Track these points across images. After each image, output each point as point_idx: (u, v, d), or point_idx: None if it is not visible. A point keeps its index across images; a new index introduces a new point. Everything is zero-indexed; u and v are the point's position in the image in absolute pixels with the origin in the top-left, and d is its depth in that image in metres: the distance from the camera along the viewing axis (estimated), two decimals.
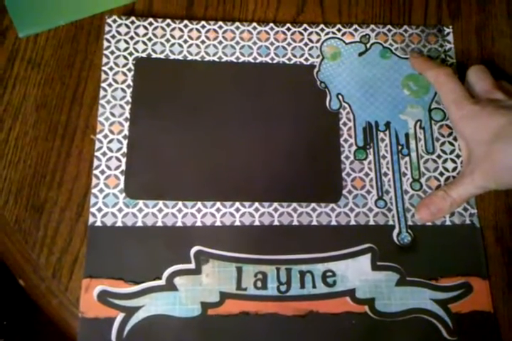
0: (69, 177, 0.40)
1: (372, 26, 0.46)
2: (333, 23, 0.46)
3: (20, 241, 0.39)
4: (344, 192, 0.41)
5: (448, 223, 0.41)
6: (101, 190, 0.39)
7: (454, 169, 0.42)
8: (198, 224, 0.39)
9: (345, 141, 0.42)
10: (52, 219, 0.40)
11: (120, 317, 0.36)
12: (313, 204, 0.40)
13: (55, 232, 0.39)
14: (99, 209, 0.39)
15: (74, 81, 0.43)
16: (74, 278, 0.38)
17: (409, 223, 0.40)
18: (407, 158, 0.42)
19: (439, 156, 0.42)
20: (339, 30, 0.45)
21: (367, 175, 0.41)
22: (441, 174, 0.42)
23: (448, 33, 0.46)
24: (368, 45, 0.45)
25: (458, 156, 0.42)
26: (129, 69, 0.42)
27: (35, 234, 0.39)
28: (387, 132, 0.43)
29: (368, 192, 0.41)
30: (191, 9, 0.46)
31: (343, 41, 0.45)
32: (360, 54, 0.45)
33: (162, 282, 0.37)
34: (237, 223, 0.39)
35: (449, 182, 0.41)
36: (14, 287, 0.40)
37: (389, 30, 0.46)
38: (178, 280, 0.38)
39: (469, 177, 0.38)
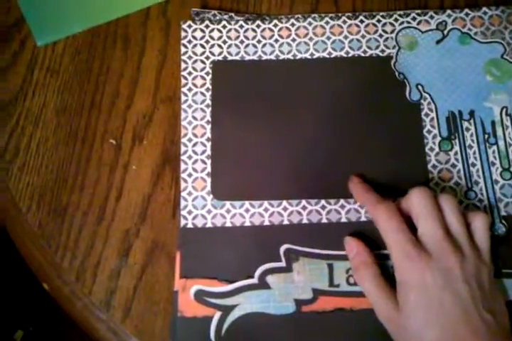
0: (90, 182, 0.41)
1: (448, 12, 0.44)
2: (412, 9, 0.44)
3: (44, 245, 0.40)
4: (431, 184, 0.40)
5: None
6: (189, 193, 0.40)
7: None
8: (285, 222, 0.40)
9: (429, 132, 0.41)
10: (74, 223, 0.40)
11: (217, 315, 0.37)
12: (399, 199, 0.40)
13: (77, 236, 0.40)
14: (190, 212, 0.40)
15: (92, 86, 0.44)
16: (97, 280, 0.39)
17: (503, 213, 0.39)
18: (494, 147, 0.41)
19: None
20: (414, 18, 0.44)
21: (454, 166, 0.40)
22: None
23: None
24: (446, 32, 0.44)
25: None
26: (207, 73, 0.43)
27: (58, 238, 0.40)
28: (471, 121, 0.42)
29: (457, 183, 0.40)
30: None
31: (419, 30, 0.44)
32: (438, 42, 0.44)
33: (255, 280, 0.38)
34: (324, 220, 0.40)
35: None
36: (39, 292, 0.40)
37: (466, 15, 0.44)
38: (270, 279, 0.38)
39: None
